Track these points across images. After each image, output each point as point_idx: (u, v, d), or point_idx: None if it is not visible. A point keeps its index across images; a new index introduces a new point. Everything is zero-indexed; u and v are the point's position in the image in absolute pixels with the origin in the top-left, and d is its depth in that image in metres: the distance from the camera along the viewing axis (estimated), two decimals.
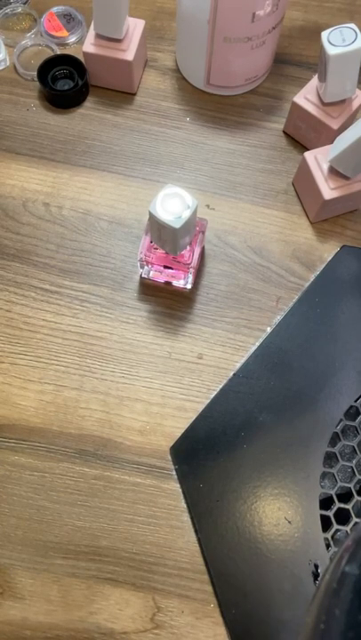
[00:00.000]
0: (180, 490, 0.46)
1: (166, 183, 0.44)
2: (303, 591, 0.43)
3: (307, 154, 0.50)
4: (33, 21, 0.60)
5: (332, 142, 0.48)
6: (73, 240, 0.52)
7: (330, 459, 0.46)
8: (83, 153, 0.55)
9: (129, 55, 0.53)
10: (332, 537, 0.44)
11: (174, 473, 0.46)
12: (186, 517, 0.45)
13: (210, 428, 0.47)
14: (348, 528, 0.44)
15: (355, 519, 0.44)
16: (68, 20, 0.59)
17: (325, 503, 0.45)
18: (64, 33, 0.59)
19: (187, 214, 0.41)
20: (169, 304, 0.51)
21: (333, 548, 0.43)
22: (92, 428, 0.47)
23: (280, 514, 0.45)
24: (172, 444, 0.47)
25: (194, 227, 0.45)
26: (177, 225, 0.41)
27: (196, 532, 0.45)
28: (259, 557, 0.44)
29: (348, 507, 0.44)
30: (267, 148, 0.56)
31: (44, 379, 0.48)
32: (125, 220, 0.53)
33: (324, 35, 0.45)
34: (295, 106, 0.52)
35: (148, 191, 0.54)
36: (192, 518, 0.45)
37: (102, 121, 0.56)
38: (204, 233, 0.48)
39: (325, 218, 0.53)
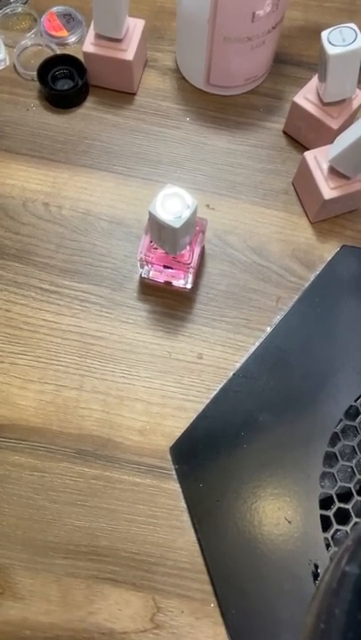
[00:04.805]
0: (180, 490, 0.46)
1: (166, 183, 0.44)
2: (303, 591, 0.43)
3: (307, 154, 0.50)
4: (33, 21, 0.60)
5: (332, 142, 0.48)
6: (73, 240, 0.52)
7: (330, 458, 0.46)
8: (83, 153, 0.55)
9: (129, 55, 0.53)
10: (333, 537, 0.44)
11: (174, 473, 0.46)
12: (186, 517, 0.45)
13: (210, 428, 0.47)
14: (348, 528, 0.44)
15: (355, 519, 0.44)
16: (68, 19, 0.59)
17: (325, 503, 0.45)
18: (64, 33, 0.59)
19: (186, 214, 0.41)
20: (169, 304, 0.51)
21: (333, 548, 0.43)
22: (92, 428, 0.47)
23: (280, 514, 0.45)
24: (171, 443, 0.47)
25: (194, 226, 0.45)
26: (177, 225, 0.41)
27: (195, 531, 0.45)
28: (259, 557, 0.44)
29: (348, 507, 0.44)
30: (267, 148, 0.56)
31: (44, 378, 0.48)
32: (125, 220, 0.53)
33: (324, 34, 0.45)
34: (295, 106, 0.52)
35: (147, 191, 0.54)
36: (192, 518, 0.45)
37: (102, 121, 0.56)
38: (203, 233, 0.48)
39: (325, 218, 0.53)
